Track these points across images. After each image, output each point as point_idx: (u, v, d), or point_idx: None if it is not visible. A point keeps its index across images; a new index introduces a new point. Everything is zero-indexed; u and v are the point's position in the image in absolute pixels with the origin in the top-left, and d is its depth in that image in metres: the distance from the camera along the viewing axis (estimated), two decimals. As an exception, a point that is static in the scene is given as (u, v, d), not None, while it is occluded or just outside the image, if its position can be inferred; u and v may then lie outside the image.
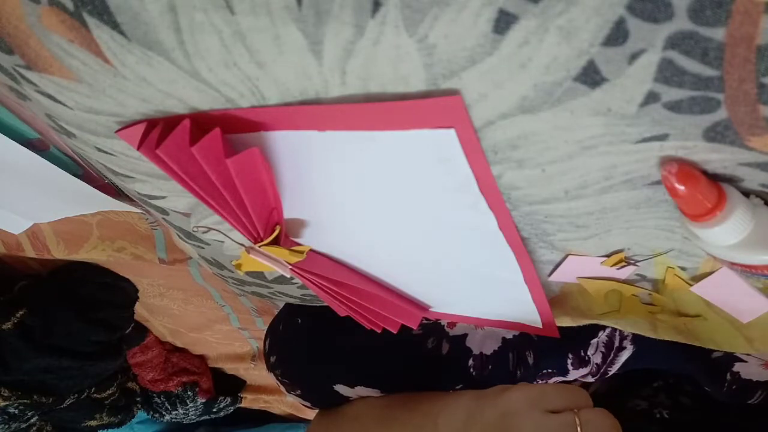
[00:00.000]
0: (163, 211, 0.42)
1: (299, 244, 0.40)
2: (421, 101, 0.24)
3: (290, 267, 0.39)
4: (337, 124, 0.27)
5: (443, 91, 0.23)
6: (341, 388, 0.54)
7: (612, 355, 0.47)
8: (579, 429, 0.38)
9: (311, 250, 0.40)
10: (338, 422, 0.55)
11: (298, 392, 0.58)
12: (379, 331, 0.49)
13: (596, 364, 0.47)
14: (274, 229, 0.36)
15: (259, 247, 0.36)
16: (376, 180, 0.31)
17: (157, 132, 0.29)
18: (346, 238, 0.39)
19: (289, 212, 0.37)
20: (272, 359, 0.59)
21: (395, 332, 0.49)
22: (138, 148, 0.30)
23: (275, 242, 0.36)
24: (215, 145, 0.29)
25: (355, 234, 0.38)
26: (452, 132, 0.25)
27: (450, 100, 0.23)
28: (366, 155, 0.29)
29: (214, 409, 1.10)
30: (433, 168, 0.28)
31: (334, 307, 0.49)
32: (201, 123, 0.29)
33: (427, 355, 0.52)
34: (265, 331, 0.63)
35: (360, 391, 0.54)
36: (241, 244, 0.38)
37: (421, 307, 0.48)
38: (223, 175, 0.30)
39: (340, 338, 0.55)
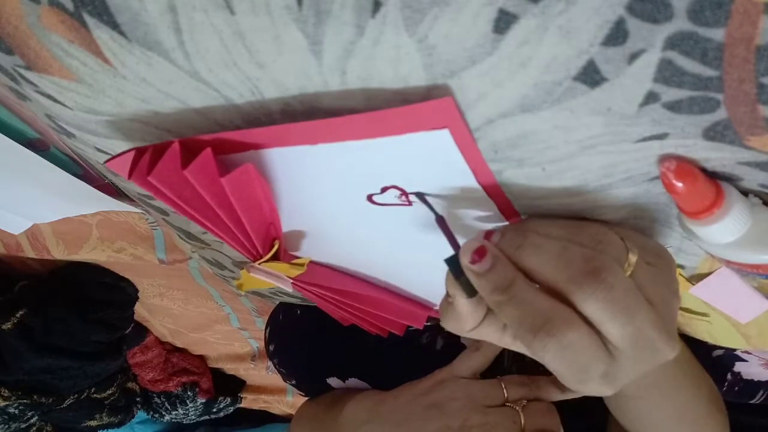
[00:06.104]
0: (164, 212, 0.42)
1: (298, 257, 0.40)
2: (411, 107, 0.24)
3: (291, 281, 0.39)
4: (329, 137, 0.27)
5: (438, 90, 0.23)
6: (333, 381, 0.55)
7: None
8: (522, 417, 0.41)
9: (311, 262, 0.40)
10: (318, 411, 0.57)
11: (294, 382, 0.59)
12: (385, 336, 0.49)
13: None
14: (272, 244, 0.36)
15: (259, 264, 0.36)
16: (374, 185, 0.31)
17: (146, 159, 0.28)
18: (345, 245, 0.39)
19: (285, 225, 0.37)
20: (271, 347, 0.60)
21: (401, 335, 0.49)
22: (129, 177, 0.29)
23: (275, 257, 0.36)
24: (208, 166, 0.28)
25: (355, 239, 0.38)
26: (446, 132, 0.25)
27: (441, 102, 0.23)
28: (362, 162, 0.28)
29: (214, 409, 1.10)
30: (430, 168, 0.28)
31: (337, 317, 0.48)
32: (190, 147, 0.28)
33: (422, 350, 0.52)
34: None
35: (352, 383, 0.54)
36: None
37: (426, 306, 0.48)
38: (218, 195, 0.30)
39: (337, 331, 0.55)
